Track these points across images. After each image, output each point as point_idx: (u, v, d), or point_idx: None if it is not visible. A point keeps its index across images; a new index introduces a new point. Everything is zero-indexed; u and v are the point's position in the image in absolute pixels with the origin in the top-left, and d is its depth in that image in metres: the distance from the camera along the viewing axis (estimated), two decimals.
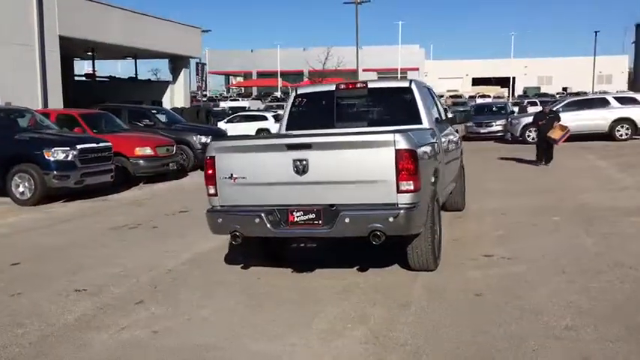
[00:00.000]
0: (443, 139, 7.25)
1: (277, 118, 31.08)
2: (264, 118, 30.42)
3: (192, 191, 13.76)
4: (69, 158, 12.22)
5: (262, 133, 29.71)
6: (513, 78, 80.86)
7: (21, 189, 11.97)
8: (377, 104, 7.32)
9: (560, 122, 15.16)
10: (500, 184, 12.49)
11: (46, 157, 12.04)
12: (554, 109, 19.68)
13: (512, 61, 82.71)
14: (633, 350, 4.19)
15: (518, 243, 7.45)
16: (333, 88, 7.40)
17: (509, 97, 69.40)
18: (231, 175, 5.78)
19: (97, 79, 36.27)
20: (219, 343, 4.65)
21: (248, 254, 7.00)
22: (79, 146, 12.48)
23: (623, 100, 23.50)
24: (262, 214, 5.67)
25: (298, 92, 7.55)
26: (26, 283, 6.54)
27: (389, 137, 5.39)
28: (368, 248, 5.99)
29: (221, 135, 19.41)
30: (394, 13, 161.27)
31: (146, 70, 67.70)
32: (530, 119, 23.14)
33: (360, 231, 5.47)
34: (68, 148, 12.27)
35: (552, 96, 63.37)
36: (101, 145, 13.16)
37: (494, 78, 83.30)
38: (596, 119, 22.33)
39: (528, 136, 22.98)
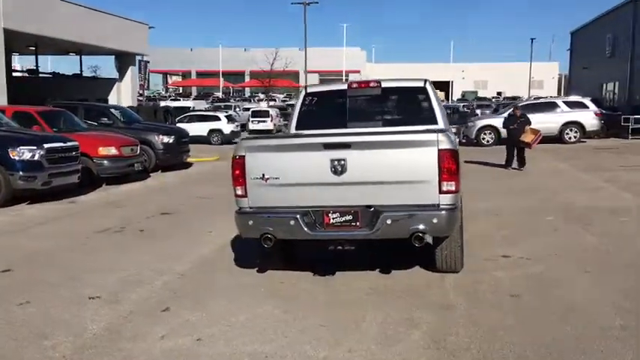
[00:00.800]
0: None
1: (230, 119, 30.68)
2: (217, 119, 29.92)
3: (164, 192, 13.35)
4: (35, 158, 11.57)
5: (215, 134, 29.21)
6: (451, 82, 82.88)
7: None
8: (390, 104, 7.24)
9: (531, 126, 15.53)
10: (480, 186, 12.68)
11: (12, 156, 11.35)
12: (507, 113, 20.19)
13: (450, 66, 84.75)
14: None
15: (526, 243, 7.54)
16: (344, 87, 7.26)
17: (447, 100, 71.04)
18: (263, 175, 5.56)
19: (40, 75, 34.62)
20: (278, 351, 4.45)
21: (255, 257, 6.80)
22: (46, 145, 11.83)
23: (571, 105, 24.40)
24: (298, 216, 5.48)
25: (308, 91, 7.37)
26: (28, 291, 6.10)
27: (432, 137, 5.31)
28: (380, 250, 5.89)
29: (184, 135, 18.93)
30: (334, 15, 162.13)
31: (85, 67, 65.44)
32: (486, 122, 23.75)
33: (402, 233, 5.37)
34: (35, 148, 11.62)
35: (489, 100, 65.38)
36: (69, 144, 12.53)
37: (433, 82, 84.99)
38: (547, 123, 23.02)
39: (483, 138, 23.52)
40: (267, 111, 39.12)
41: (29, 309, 5.57)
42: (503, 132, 19.24)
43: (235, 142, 29.91)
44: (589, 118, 23.87)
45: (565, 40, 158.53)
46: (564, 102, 24.85)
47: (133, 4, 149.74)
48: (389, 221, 5.30)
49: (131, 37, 30.41)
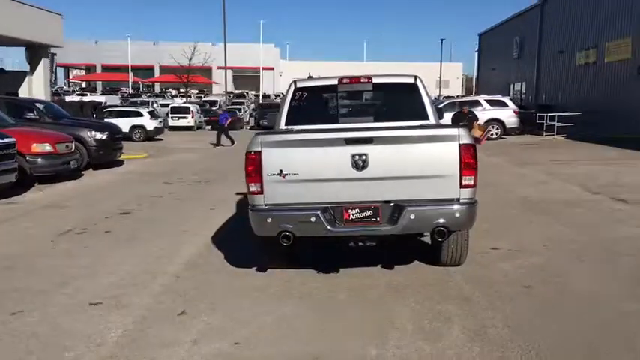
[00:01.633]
0: None
1: (153, 115, 29.69)
2: (139, 115, 28.89)
3: (107, 192, 12.72)
4: None
5: (137, 130, 28.18)
6: None
7: None
8: (381, 99, 7.26)
9: (478, 122, 16.07)
10: None
11: None
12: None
13: (363, 64, 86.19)
14: None
15: (510, 235, 7.79)
16: (335, 82, 7.19)
17: None
18: (281, 171, 5.41)
19: None
20: (327, 351, 4.34)
21: (245, 255, 6.65)
22: None
23: (493, 103, 25.52)
24: (319, 213, 5.37)
25: (298, 85, 7.23)
26: (16, 299, 5.64)
27: (454, 132, 5.37)
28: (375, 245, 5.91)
29: (117, 132, 18.12)
30: (245, 11, 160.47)
31: None
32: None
33: (424, 228, 5.40)
34: None
35: None
36: (6, 141, 11.66)
37: None
38: None
39: None
40: (188, 107, 38.28)
41: (27, 318, 5.15)
42: None
43: (159, 139, 29.21)
44: (509, 116, 25.08)
45: (466, 41, 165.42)
46: (486, 100, 25.94)
47: None
48: (412, 216, 5.31)
49: (44, 27, 28.63)
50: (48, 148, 13.60)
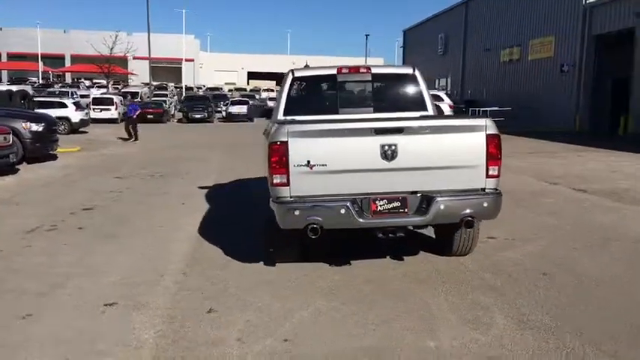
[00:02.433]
0: None
1: (79, 106, 28.31)
2: (63, 106, 27.42)
3: (55, 187, 12.00)
4: None
5: (62, 122, 26.73)
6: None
7: None
8: (380, 89, 7.20)
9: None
10: None
11: None
12: None
13: (287, 58, 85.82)
14: None
15: (500, 225, 7.84)
16: (334, 71, 7.08)
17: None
18: (308, 162, 5.24)
19: None
20: (382, 344, 4.26)
21: (244, 250, 6.46)
22: None
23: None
24: (348, 204, 5.25)
25: (296, 75, 7.05)
26: (16, 302, 5.21)
27: (481, 122, 5.40)
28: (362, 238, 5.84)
29: (53, 123, 17.12)
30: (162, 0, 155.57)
31: None
32: None
33: (453, 218, 5.39)
34: None
35: None
36: None
37: (269, 73, 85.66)
38: None
39: None
40: (112, 98, 36.73)
41: (42, 323, 4.76)
42: None
43: (84, 132, 27.80)
44: (445, 111, 25.69)
45: (387, 37, 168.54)
46: None
47: None
48: (442, 207, 5.29)
49: None
50: None
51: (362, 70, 7.11)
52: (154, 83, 66.65)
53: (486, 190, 5.45)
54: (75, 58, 75.70)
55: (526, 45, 30.60)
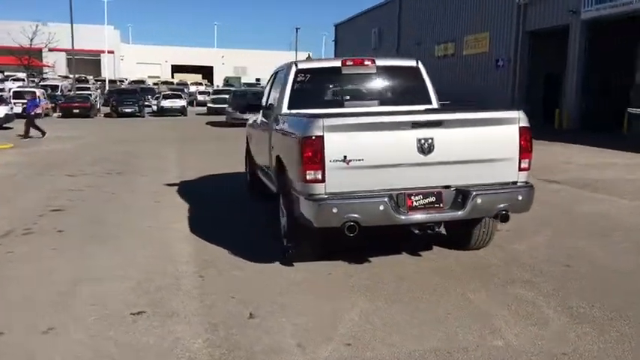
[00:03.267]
0: None
1: (2, 100, 26.65)
2: None
3: (6, 185, 11.14)
4: None
5: None
6: (213, 67, 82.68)
7: None
8: (385, 83, 7.05)
9: None
10: None
11: None
12: None
13: (212, 51, 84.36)
14: None
15: None
16: (338, 64, 6.89)
17: (210, 85, 70.86)
18: (345, 157, 5.04)
19: None
20: (447, 344, 4.14)
21: (251, 249, 6.23)
22: None
23: None
24: (387, 200, 5.09)
25: (299, 67, 6.80)
26: (31, 314, 4.75)
27: (515, 114, 5.36)
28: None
29: None
30: None
31: None
32: None
33: (489, 211, 5.34)
34: None
35: (256, 84, 66.85)
36: None
37: (194, 66, 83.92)
38: None
39: None
40: (34, 92, 34.70)
41: (70, 336, 4.35)
42: None
43: (8, 127, 26.01)
44: None
45: (315, 31, 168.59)
46: None
47: None
48: (479, 201, 5.22)
49: None
50: None
51: (366, 62, 6.95)
52: (71, 76, 63.58)
53: (518, 183, 5.43)
54: None
55: (461, 40, 31.38)
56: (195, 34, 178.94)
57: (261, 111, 8.04)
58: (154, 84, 62.99)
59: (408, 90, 7.09)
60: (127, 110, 36.58)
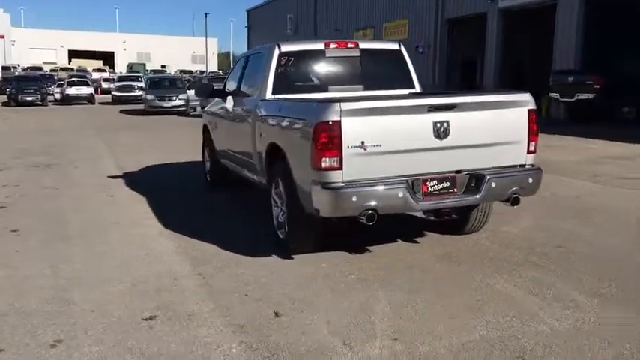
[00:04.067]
0: None
1: None
2: None
3: None
4: None
5: None
6: (115, 53, 79.05)
7: None
8: (368, 66, 6.85)
9: None
10: None
11: None
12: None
13: (113, 36, 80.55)
14: None
15: None
16: (322, 46, 6.63)
17: (113, 72, 67.79)
18: (362, 143, 4.81)
19: None
20: (496, 333, 4.03)
21: (240, 243, 5.95)
22: None
23: None
24: (405, 187, 4.92)
25: (282, 50, 6.47)
26: (31, 327, 4.21)
27: (524, 96, 5.33)
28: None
29: None
30: None
31: None
32: None
33: (502, 196, 5.28)
34: None
35: (163, 71, 64.77)
36: None
37: (94, 52, 79.84)
38: None
39: None
40: None
41: (79, 351, 3.86)
42: None
43: None
44: None
45: (221, 16, 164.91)
46: None
47: None
48: (493, 184, 5.16)
49: None
50: None
51: (350, 45, 6.74)
52: None
53: (527, 166, 5.42)
54: None
55: (380, 27, 31.69)
56: (94, 18, 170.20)
57: (229, 97, 7.62)
58: (52, 70, 59.45)
59: (391, 73, 6.95)
60: (28, 99, 34.23)
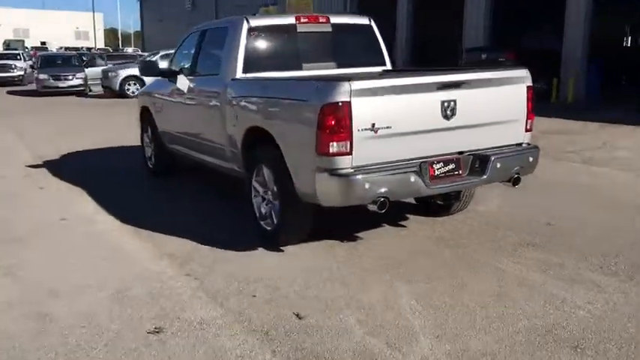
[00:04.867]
0: None
1: None
2: None
3: None
4: None
5: None
6: None
7: None
8: (339, 43, 6.46)
9: None
10: None
11: None
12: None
13: None
14: None
15: None
16: (292, 21, 6.16)
17: None
18: (373, 125, 4.46)
19: None
20: (539, 321, 3.88)
21: (216, 236, 5.50)
22: None
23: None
24: (416, 170, 4.64)
25: (252, 24, 5.93)
26: (18, 349, 3.56)
27: (523, 73, 5.19)
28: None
29: None
30: None
31: None
32: (130, 72, 22.32)
33: (505, 176, 5.11)
34: None
35: (44, 48, 60.57)
36: None
37: None
38: None
39: (128, 89, 22.08)
40: None
41: None
42: (148, 81, 20.15)
43: None
44: None
45: None
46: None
47: None
48: (498, 165, 4.99)
49: None
50: None
51: (321, 19, 6.32)
52: None
53: (524, 145, 5.30)
54: None
55: (282, 2, 31.09)
56: None
57: (180, 77, 6.96)
58: None
59: (363, 50, 6.64)
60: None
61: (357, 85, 4.37)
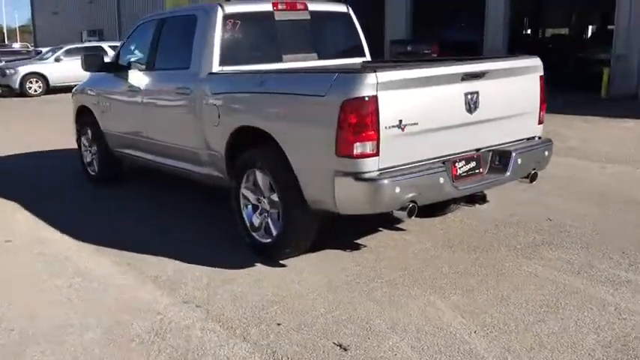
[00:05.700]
0: None
1: None
2: None
3: None
4: None
5: None
6: None
7: None
8: (318, 32, 5.90)
9: None
10: None
11: None
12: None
13: None
14: None
15: None
16: (269, 7, 5.53)
17: None
18: (400, 121, 3.96)
19: None
20: (590, 325, 3.54)
21: (208, 249, 4.85)
22: None
23: None
24: (444, 171, 4.19)
25: (227, 12, 5.23)
26: None
27: (537, 61, 4.86)
28: None
29: None
30: None
31: None
32: (31, 69, 20.66)
33: (524, 172, 4.75)
34: None
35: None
36: None
37: None
38: None
39: (30, 87, 20.34)
40: None
41: None
42: (53, 79, 20.26)
43: None
44: None
45: None
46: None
47: None
48: (520, 161, 4.63)
49: None
50: None
51: (299, 6, 5.73)
52: None
53: (536, 138, 4.99)
54: None
55: None
56: None
57: (133, 72, 6.17)
58: None
59: (341, 40, 6.16)
60: None
61: (384, 76, 3.84)
